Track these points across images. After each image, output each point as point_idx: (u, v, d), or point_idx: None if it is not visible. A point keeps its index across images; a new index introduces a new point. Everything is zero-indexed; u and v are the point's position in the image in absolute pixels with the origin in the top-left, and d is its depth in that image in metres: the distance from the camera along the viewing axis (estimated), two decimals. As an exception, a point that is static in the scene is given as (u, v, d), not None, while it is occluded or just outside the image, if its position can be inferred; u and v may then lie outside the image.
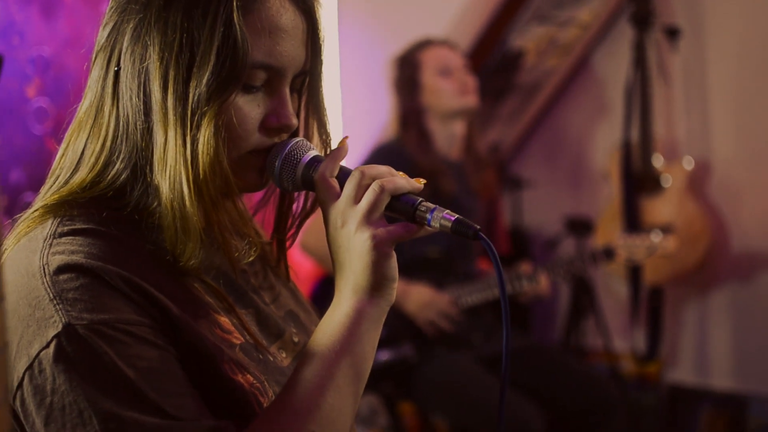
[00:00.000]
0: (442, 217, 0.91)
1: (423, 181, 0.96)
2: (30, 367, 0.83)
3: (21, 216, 0.96)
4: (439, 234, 0.95)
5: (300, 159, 0.97)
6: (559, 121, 4.02)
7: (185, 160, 0.89)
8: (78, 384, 0.81)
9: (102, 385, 0.82)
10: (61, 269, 0.85)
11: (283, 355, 1.05)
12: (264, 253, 1.13)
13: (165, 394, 0.84)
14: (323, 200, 0.95)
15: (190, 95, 0.89)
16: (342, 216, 0.93)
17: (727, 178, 3.36)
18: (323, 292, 2.65)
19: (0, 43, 1.86)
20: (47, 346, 0.82)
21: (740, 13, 3.30)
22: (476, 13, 3.29)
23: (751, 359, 3.36)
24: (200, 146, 0.89)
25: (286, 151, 0.97)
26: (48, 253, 0.87)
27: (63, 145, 0.98)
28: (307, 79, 1.01)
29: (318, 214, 1.00)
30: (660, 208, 3.28)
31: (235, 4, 0.89)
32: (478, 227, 0.91)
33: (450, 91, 2.66)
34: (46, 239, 0.88)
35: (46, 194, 0.96)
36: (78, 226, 0.90)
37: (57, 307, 0.83)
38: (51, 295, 0.84)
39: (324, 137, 1.05)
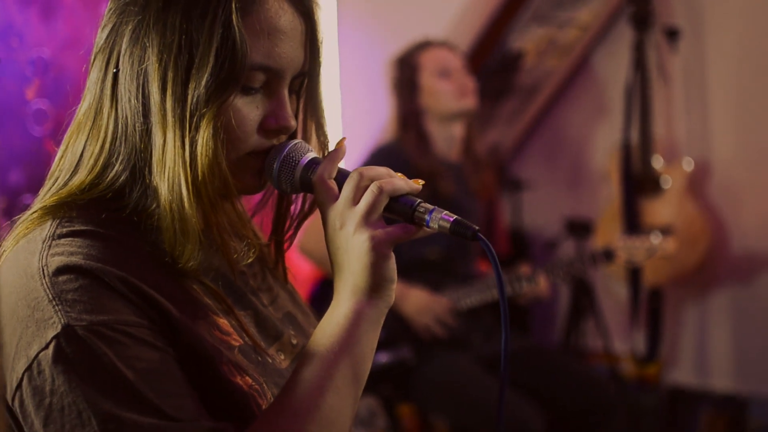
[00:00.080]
0: (440, 218, 0.91)
1: (421, 182, 0.96)
2: (29, 368, 0.83)
3: (20, 217, 0.96)
4: (438, 235, 0.95)
5: (298, 161, 0.97)
6: (558, 121, 4.02)
7: (184, 162, 0.89)
8: (77, 385, 0.81)
9: (101, 386, 0.82)
10: (60, 270, 0.85)
11: (282, 357, 1.05)
12: (262, 255, 1.13)
13: (164, 395, 0.84)
14: (322, 202, 0.95)
15: (189, 97, 0.89)
16: (340, 217, 0.93)
17: (727, 178, 3.36)
18: (322, 294, 2.66)
19: (-1, 45, 1.86)
20: (46, 347, 0.82)
21: (740, 13, 3.30)
22: (476, 14, 3.29)
23: (751, 360, 3.36)
24: (199, 148, 0.89)
25: (285, 153, 0.97)
26: (47, 254, 0.87)
27: (62, 147, 0.98)
28: (306, 81, 1.02)
29: (317, 216, 1.00)
30: (660, 209, 3.28)
31: (233, 5, 0.89)
32: (477, 228, 0.91)
33: (449, 92, 2.66)
34: (45, 241, 0.88)
35: (45, 196, 0.96)
36: (77, 227, 0.90)
37: (56, 308, 0.83)
38: (50, 296, 0.84)
39: (322, 139, 1.05)
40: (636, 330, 3.37)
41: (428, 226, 0.92)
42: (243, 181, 0.97)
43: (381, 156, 2.61)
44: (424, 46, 2.73)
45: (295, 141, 0.98)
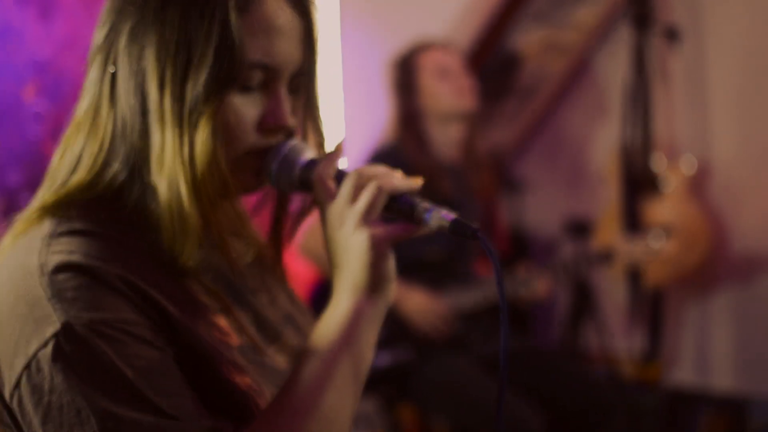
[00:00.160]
0: (440, 217, 0.91)
1: (420, 180, 0.95)
2: (28, 366, 0.83)
3: (18, 217, 0.96)
4: (438, 235, 0.95)
5: (297, 161, 0.97)
6: (559, 122, 4.02)
7: (183, 161, 0.89)
8: (76, 383, 0.81)
9: (100, 385, 0.82)
10: (59, 268, 0.85)
11: (281, 357, 1.04)
12: (261, 256, 1.13)
13: (163, 393, 0.84)
14: (320, 201, 0.95)
15: (187, 95, 0.89)
16: (339, 216, 0.93)
17: (727, 179, 3.36)
18: (322, 296, 2.65)
19: (-2, 46, 1.86)
20: (45, 345, 0.82)
21: (741, 13, 3.30)
22: (476, 14, 3.29)
23: (752, 361, 3.35)
24: (198, 146, 0.89)
25: (283, 152, 0.97)
26: (46, 252, 0.86)
27: (61, 147, 0.98)
28: (303, 80, 1.01)
29: (317, 217, 1.00)
30: (660, 210, 3.28)
31: (231, 4, 0.89)
32: (477, 227, 0.91)
33: (447, 93, 2.66)
34: (43, 239, 0.88)
35: (44, 195, 0.96)
36: (76, 226, 0.90)
37: (55, 306, 0.83)
38: (49, 294, 0.84)
39: (318, 138, 1.05)
40: (636, 331, 3.37)
41: (427, 225, 0.92)
42: (241, 180, 0.97)
43: (381, 157, 2.61)
44: (423, 46, 2.73)
45: (294, 141, 0.99)
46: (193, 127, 0.89)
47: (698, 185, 3.37)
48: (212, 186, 0.90)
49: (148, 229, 0.92)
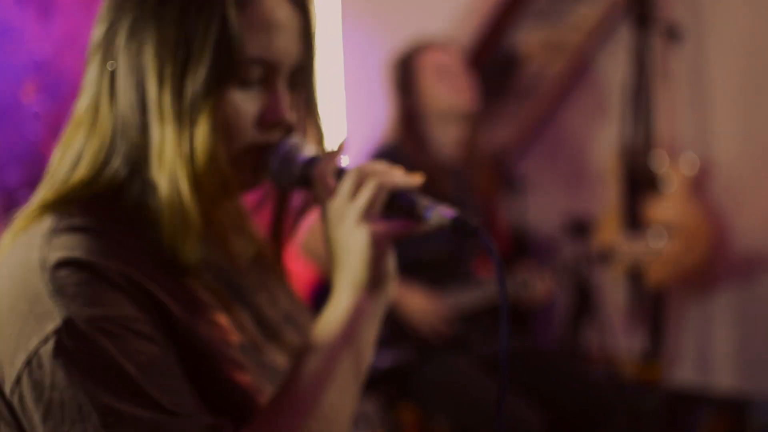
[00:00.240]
0: (440, 214, 0.91)
1: (421, 178, 0.95)
2: (29, 362, 0.83)
3: (18, 214, 0.95)
4: (438, 235, 0.95)
5: (297, 158, 0.97)
6: (559, 121, 4.01)
7: (182, 157, 0.89)
8: (77, 379, 0.81)
9: (101, 380, 0.82)
10: (60, 264, 0.85)
11: (281, 355, 1.04)
12: (262, 254, 1.13)
13: (164, 389, 0.84)
14: (321, 198, 0.95)
15: (187, 91, 0.89)
16: (340, 213, 0.93)
17: (729, 178, 3.36)
18: (321, 297, 2.65)
19: (-3, 45, 1.86)
20: (46, 341, 0.82)
21: (742, 12, 3.29)
22: (476, 14, 3.29)
23: (753, 361, 3.35)
24: (197, 143, 0.89)
25: (284, 150, 0.97)
26: (47, 249, 0.86)
27: (61, 144, 0.98)
28: (302, 76, 1.01)
29: (318, 214, 1.00)
30: (661, 210, 3.27)
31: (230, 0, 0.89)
32: (477, 224, 0.90)
33: (447, 93, 2.65)
34: (44, 236, 0.88)
35: (45, 193, 0.96)
36: (77, 223, 0.89)
37: (56, 302, 0.83)
38: (50, 290, 0.83)
39: (319, 134, 1.05)
40: (637, 331, 3.36)
41: (428, 222, 0.92)
42: (241, 177, 0.97)
43: (380, 156, 2.60)
44: (422, 46, 2.73)
45: (294, 138, 0.98)
46: (193, 123, 0.89)
47: (699, 185, 3.37)
48: (212, 182, 0.90)
49: (149, 227, 0.92)
